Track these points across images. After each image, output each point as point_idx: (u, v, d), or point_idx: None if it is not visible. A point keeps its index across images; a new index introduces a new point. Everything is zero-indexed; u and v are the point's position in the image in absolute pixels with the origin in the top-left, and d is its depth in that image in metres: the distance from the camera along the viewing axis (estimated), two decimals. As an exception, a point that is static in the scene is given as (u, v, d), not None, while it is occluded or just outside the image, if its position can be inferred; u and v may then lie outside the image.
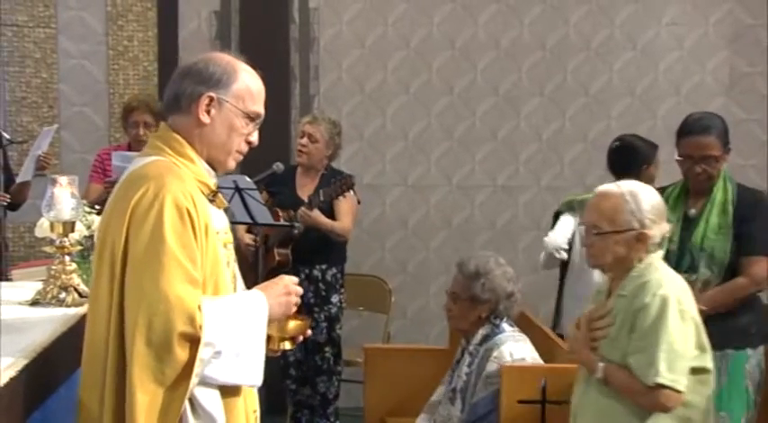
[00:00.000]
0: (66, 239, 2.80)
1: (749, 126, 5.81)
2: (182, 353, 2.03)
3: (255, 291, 2.22)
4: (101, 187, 4.68)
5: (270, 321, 2.19)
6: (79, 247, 2.95)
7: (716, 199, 3.53)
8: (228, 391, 2.17)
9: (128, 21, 5.57)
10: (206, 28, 5.70)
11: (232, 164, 2.28)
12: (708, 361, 2.83)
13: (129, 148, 4.85)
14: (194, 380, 2.05)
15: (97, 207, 3.31)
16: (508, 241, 5.87)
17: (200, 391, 2.11)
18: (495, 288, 3.61)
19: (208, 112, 2.20)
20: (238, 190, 4.32)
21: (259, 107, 2.26)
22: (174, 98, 2.23)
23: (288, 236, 4.72)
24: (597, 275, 3.81)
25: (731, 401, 3.45)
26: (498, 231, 5.94)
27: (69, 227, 2.80)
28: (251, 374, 2.15)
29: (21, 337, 2.37)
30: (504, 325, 3.63)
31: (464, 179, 5.95)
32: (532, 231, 5.75)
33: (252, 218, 4.44)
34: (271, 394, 4.64)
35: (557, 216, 4.52)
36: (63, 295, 2.80)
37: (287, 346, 2.32)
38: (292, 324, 2.30)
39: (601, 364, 2.80)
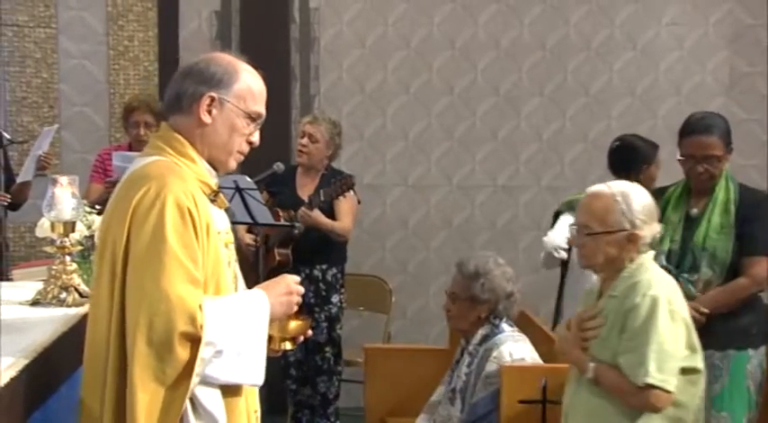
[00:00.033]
0: (66, 239, 2.80)
1: (750, 126, 5.81)
2: (183, 352, 2.03)
3: (257, 290, 2.22)
4: (101, 187, 4.69)
5: (271, 321, 2.19)
6: (80, 247, 2.95)
7: (718, 199, 3.52)
8: (230, 391, 2.17)
9: (128, 21, 5.57)
10: (206, 28, 5.70)
11: (233, 164, 2.28)
12: (698, 361, 2.84)
13: (130, 149, 4.85)
14: (195, 379, 2.05)
15: (98, 207, 3.31)
16: (509, 241, 5.87)
17: (202, 390, 2.11)
18: (494, 288, 3.62)
19: (209, 112, 2.20)
20: (239, 190, 4.32)
21: (260, 107, 2.26)
22: (175, 98, 2.23)
23: (288, 236, 4.72)
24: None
25: (733, 402, 3.45)
26: (499, 231, 5.94)
27: (70, 227, 2.80)
28: (252, 374, 2.15)
29: (21, 337, 2.37)
30: (504, 325, 3.63)
31: (464, 179, 5.95)
32: (533, 231, 5.75)
33: (252, 218, 4.44)
34: (271, 394, 4.64)
35: (557, 216, 4.52)
36: (64, 295, 2.80)
37: (288, 346, 2.32)
38: (293, 324, 2.30)
39: (591, 364, 2.81)
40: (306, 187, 4.90)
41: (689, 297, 3.45)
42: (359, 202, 4.90)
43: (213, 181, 2.26)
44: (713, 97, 5.84)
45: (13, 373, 2.10)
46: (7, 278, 3.48)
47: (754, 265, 3.48)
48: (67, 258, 2.84)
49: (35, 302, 2.81)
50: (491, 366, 3.50)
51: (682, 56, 5.94)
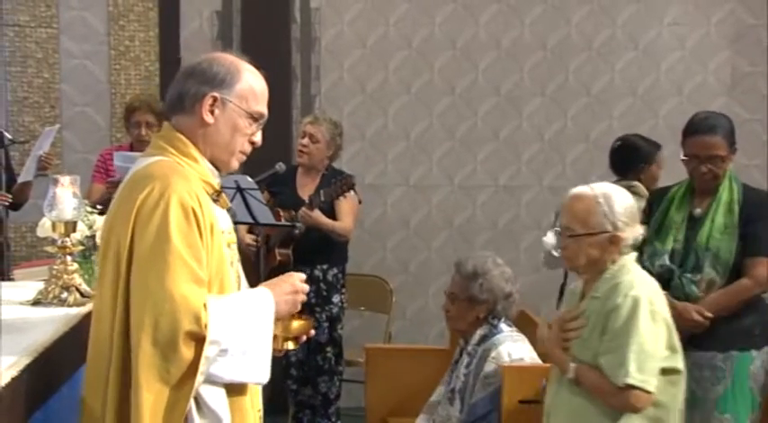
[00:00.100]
0: (67, 239, 2.80)
1: (751, 126, 5.81)
2: (187, 352, 2.03)
3: (262, 288, 2.22)
4: (103, 187, 4.69)
5: (276, 319, 2.20)
6: (81, 247, 2.95)
7: (721, 199, 3.51)
8: (234, 390, 2.17)
9: (129, 21, 5.57)
10: (207, 28, 5.70)
11: (235, 164, 2.28)
12: (678, 362, 2.84)
13: (131, 149, 4.85)
14: (200, 378, 2.06)
15: (99, 207, 3.32)
16: (510, 241, 5.87)
17: (206, 389, 2.11)
18: (493, 288, 3.62)
19: (212, 112, 2.20)
20: (240, 190, 4.32)
21: (262, 107, 2.26)
22: (177, 98, 2.23)
23: (289, 236, 4.72)
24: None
25: (735, 403, 3.43)
26: (500, 231, 5.94)
27: (71, 227, 2.80)
28: (258, 372, 2.15)
29: (22, 336, 2.37)
30: (502, 325, 3.63)
31: (466, 179, 5.95)
32: (534, 231, 5.75)
33: (254, 218, 4.44)
34: (272, 394, 4.63)
35: (557, 216, 4.52)
36: (65, 295, 2.80)
37: (290, 345, 2.32)
38: (296, 324, 2.30)
39: (572, 365, 2.82)
40: (306, 187, 4.90)
41: (691, 298, 3.46)
42: (360, 202, 4.90)
43: (216, 181, 2.26)
44: (715, 97, 5.84)
45: (14, 372, 2.10)
46: (8, 278, 3.48)
47: (757, 265, 3.46)
48: (69, 258, 2.84)
49: (36, 302, 2.81)
50: (489, 366, 3.50)
51: (683, 56, 5.94)
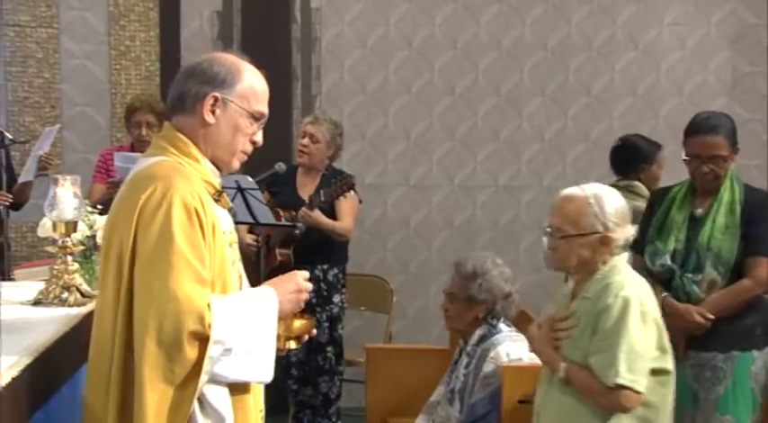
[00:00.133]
0: (68, 239, 2.80)
1: (751, 126, 5.81)
2: (191, 351, 2.04)
3: (266, 287, 2.23)
4: (104, 187, 4.68)
5: (279, 318, 2.20)
6: (81, 247, 2.95)
7: (723, 199, 3.50)
8: (237, 390, 2.18)
9: (130, 21, 5.57)
10: (208, 28, 5.70)
11: (236, 164, 2.29)
12: (668, 362, 2.85)
13: (132, 149, 4.85)
14: (204, 378, 2.06)
15: (99, 207, 3.32)
16: (510, 241, 5.87)
17: (210, 388, 2.11)
18: (492, 288, 3.61)
19: (213, 113, 2.20)
20: (241, 190, 4.32)
21: (263, 107, 2.27)
22: (178, 98, 2.23)
23: (289, 236, 4.72)
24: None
25: (737, 404, 3.42)
26: (500, 231, 5.94)
27: (71, 227, 2.80)
28: (262, 371, 2.16)
29: (23, 336, 2.37)
30: (501, 325, 3.63)
31: (466, 179, 5.95)
32: (534, 231, 5.74)
33: (254, 218, 4.44)
34: (272, 394, 4.61)
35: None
36: (65, 295, 2.80)
37: (292, 345, 2.33)
38: (298, 323, 2.30)
39: (563, 365, 2.82)
40: (306, 187, 4.90)
41: (693, 298, 3.46)
42: (360, 202, 4.90)
43: (217, 181, 2.26)
44: (715, 97, 5.84)
45: (14, 372, 2.11)
46: (9, 278, 3.48)
47: (758, 266, 3.45)
48: (69, 258, 2.84)
49: (37, 302, 2.82)
50: (488, 367, 3.50)
51: (683, 56, 5.94)
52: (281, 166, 4.61)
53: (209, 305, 2.06)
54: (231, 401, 2.16)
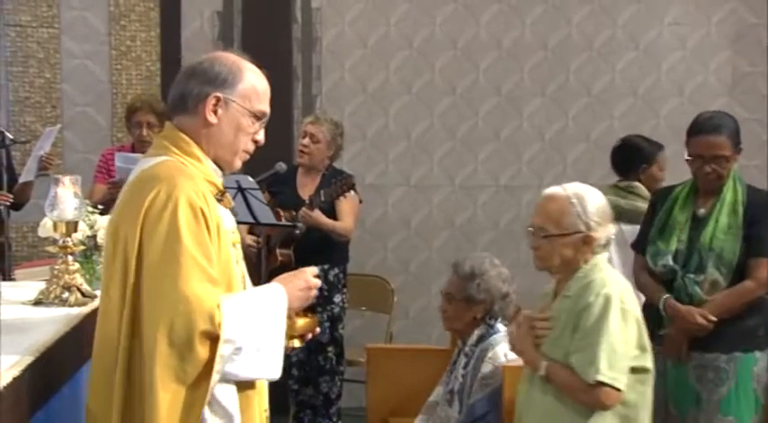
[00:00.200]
0: (69, 239, 2.80)
1: (752, 126, 5.80)
2: (203, 351, 2.04)
3: (275, 284, 2.24)
4: (105, 187, 4.68)
5: (288, 314, 2.21)
6: (82, 247, 2.95)
7: (725, 199, 3.48)
8: (243, 388, 2.19)
9: (130, 21, 5.57)
10: (208, 28, 5.70)
11: (238, 163, 2.29)
12: (648, 361, 2.85)
13: (133, 149, 4.85)
14: (215, 377, 2.07)
15: (100, 207, 3.32)
16: (511, 241, 5.87)
17: (218, 386, 2.11)
18: (490, 289, 3.62)
19: (215, 113, 2.21)
20: (241, 190, 4.32)
21: (265, 106, 2.27)
22: (179, 98, 2.23)
23: (290, 236, 4.72)
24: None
25: (739, 405, 3.41)
26: (501, 231, 5.94)
27: (72, 227, 2.80)
28: (271, 368, 2.16)
29: (24, 336, 2.37)
30: (499, 325, 3.62)
31: (467, 179, 5.95)
32: (535, 231, 5.74)
33: (255, 218, 4.44)
34: (273, 394, 4.62)
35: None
36: (66, 295, 2.80)
37: (296, 343, 2.34)
38: (301, 322, 2.31)
39: (544, 363, 2.83)
40: (306, 187, 4.90)
41: (695, 298, 3.45)
42: (360, 202, 4.90)
43: (219, 180, 2.26)
44: (715, 97, 5.84)
45: (15, 372, 2.10)
46: (10, 278, 3.48)
47: (761, 267, 3.43)
48: (70, 258, 2.84)
49: (37, 302, 2.81)
50: (487, 367, 3.50)
51: (684, 56, 5.94)
52: (281, 166, 4.61)
53: (218, 304, 2.07)
54: (238, 399, 2.16)
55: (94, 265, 3.06)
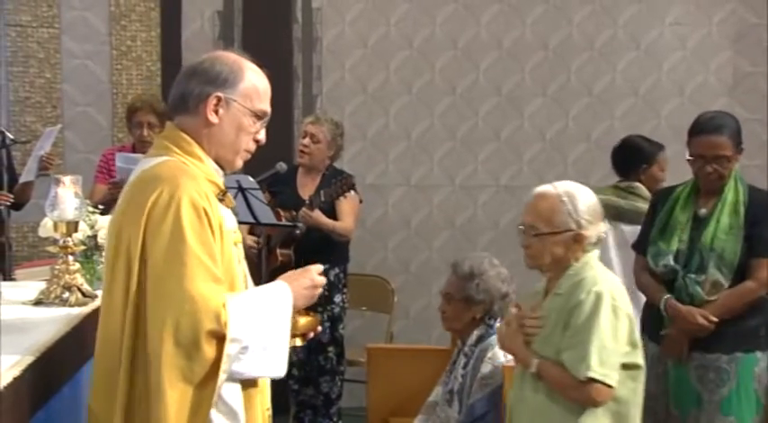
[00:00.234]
0: (69, 239, 2.80)
1: (752, 126, 5.80)
2: (209, 350, 2.05)
3: (280, 282, 2.24)
4: (106, 188, 4.68)
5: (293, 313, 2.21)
6: (82, 247, 2.95)
7: (727, 199, 3.48)
8: (247, 386, 2.19)
9: (131, 21, 5.57)
10: (209, 28, 5.70)
11: (240, 163, 2.29)
12: (639, 357, 2.85)
13: (134, 149, 4.85)
14: (222, 376, 2.07)
15: (101, 207, 3.32)
16: (511, 241, 5.77)
17: (223, 385, 2.12)
18: (489, 289, 3.61)
19: (216, 112, 2.21)
20: (242, 190, 4.32)
21: (266, 105, 2.27)
22: (180, 98, 2.23)
23: (290, 236, 4.72)
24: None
25: (740, 406, 3.41)
26: (501, 231, 5.93)
27: (73, 226, 2.80)
28: (277, 366, 2.17)
29: (24, 336, 2.37)
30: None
31: (467, 179, 5.95)
32: (535, 231, 5.74)
33: (255, 218, 4.44)
34: (273, 394, 4.62)
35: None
36: (66, 295, 2.80)
37: (298, 342, 2.34)
38: (303, 320, 2.31)
39: (535, 360, 2.83)
40: (307, 187, 4.90)
41: (696, 299, 3.44)
42: (360, 202, 4.90)
43: (221, 180, 2.26)
44: (716, 97, 5.84)
45: (16, 372, 2.10)
46: (10, 278, 3.48)
47: (762, 267, 3.43)
48: (70, 258, 2.83)
49: (38, 302, 2.81)
50: (486, 367, 3.50)
51: (685, 56, 5.94)
52: (282, 166, 4.61)
53: (224, 303, 2.07)
54: (243, 396, 2.17)
55: (95, 265, 3.06)
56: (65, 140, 5.49)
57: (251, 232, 4.81)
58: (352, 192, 4.66)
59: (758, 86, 5.91)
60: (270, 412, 2.34)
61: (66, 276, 2.81)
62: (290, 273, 2.29)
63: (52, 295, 2.80)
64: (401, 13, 5.85)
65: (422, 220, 5.96)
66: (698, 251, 3.46)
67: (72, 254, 2.84)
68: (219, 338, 2.05)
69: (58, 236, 2.80)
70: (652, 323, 3.58)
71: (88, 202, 3.10)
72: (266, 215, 4.48)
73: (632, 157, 4.54)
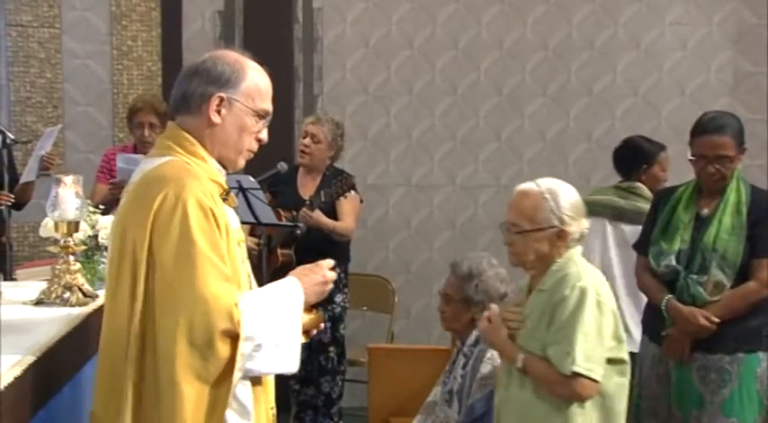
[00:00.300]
0: (70, 239, 2.80)
1: (753, 126, 5.79)
2: (224, 349, 2.05)
3: (291, 278, 2.25)
4: (107, 188, 4.68)
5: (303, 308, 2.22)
6: (83, 247, 2.95)
7: (729, 199, 3.47)
8: (254, 385, 2.19)
9: (132, 21, 5.58)
10: (210, 28, 5.71)
11: (242, 162, 2.29)
12: (624, 352, 2.86)
13: (135, 150, 4.85)
14: (237, 375, 2.08)
15: (102, 207, 3.32)
16: (512, 241, 5.86)
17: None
18: (488, 289, 3.61)
19: (218, 113, 2.21)
20: (242, 190, 4.32)
21: (268, 104, 2.27)
22: (182, 98, 2.23)
23: (291, 236, 4.72)
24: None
25: (742, 407, 3.40)
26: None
27: (73, 226, 2.80)
28: (290, 362, 2.17)
29: (25, 336, 2.37)
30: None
31: (467, 179, 5.95)
32: (536, 231, 5.74)
33: (256, 218, 4.44)
34: (275, 394, 4.63)
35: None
36: (67, 295, 2.80)
37: (302, 339, 2.34)
38: (306, 317, 2.31)
39: (520, 355, 2.84)
40: (307, 187, 4.90)
41: (697, 299, 3.44)
42: (361, 202, 4.90)
43: (223, 180, 2.26)
44: (717, 97, 5.84)
45: (17, 372, 2.10)
46: (11, 278, 3.48)
47: (764, 267, 3.42)
48: (71, 258, 2.83)
49: (39, 302, 2.81)
50: (486, 367, 3.49)
51: (685, 56, 5.94)
52: (282, 166, 4.61)
53: (236, 302, 2.07)
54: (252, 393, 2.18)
55: (96, 265, 3.06)
56: (65, 140, 5.49)
57: (252, 233, 4.81)
58: (353, 192, 4.66)
59: (759, 86, 5.91)
60: (274, 411, 2.34)
61: (67, 276, 2.81)
62: (300, 268, 2.29)
63: (53, 295, 2.80)
64: (402, 13, 5.85)
65: (422, 220, 5.96)
66: (700, 251, 3.45)
67: (73, 254, 2.83)
68: (233, 337, 2.06)
69: (58, 236, 2.80)
70: (653, 324, 3.58)
71: (89, 202, 3.10)
72: (267, 215, 4.48)
73: (633, 158, 4.54)
